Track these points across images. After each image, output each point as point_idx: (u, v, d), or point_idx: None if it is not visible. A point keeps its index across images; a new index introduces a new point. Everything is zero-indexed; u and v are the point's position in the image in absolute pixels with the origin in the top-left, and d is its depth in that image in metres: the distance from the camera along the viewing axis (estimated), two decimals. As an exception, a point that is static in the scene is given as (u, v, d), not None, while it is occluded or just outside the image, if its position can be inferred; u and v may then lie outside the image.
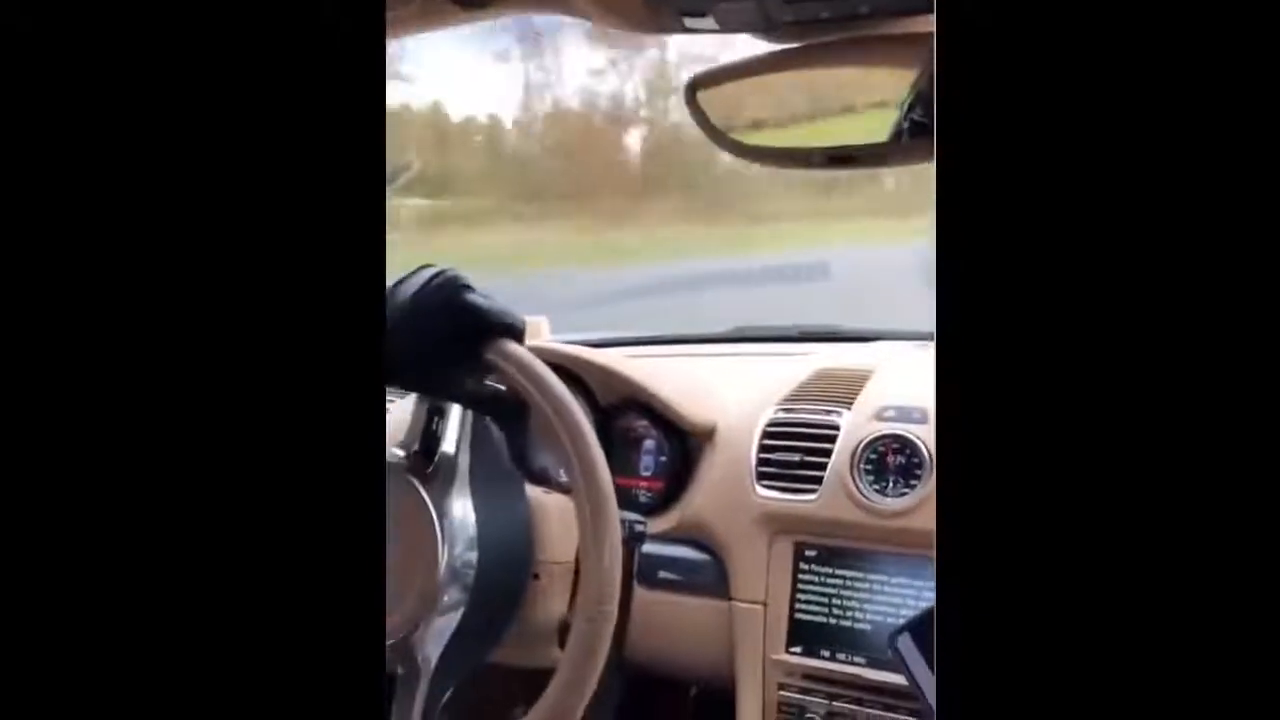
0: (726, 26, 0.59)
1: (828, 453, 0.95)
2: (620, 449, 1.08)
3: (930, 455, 0.91)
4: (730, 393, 1.09)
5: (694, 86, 0.68)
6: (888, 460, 0.93)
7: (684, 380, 1.11)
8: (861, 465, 0.93)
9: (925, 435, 0.93)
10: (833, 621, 0.91)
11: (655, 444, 1.06)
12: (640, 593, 0.98)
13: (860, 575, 0.91)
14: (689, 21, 0.58)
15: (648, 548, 0.99)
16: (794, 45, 0.63)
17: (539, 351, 1.07)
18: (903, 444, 0.93)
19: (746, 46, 0.66)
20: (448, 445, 0.74)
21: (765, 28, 0.59)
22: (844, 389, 1.04)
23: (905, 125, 0.61)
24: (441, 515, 0.70)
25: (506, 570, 0.74)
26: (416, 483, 0.70)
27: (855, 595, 0.91)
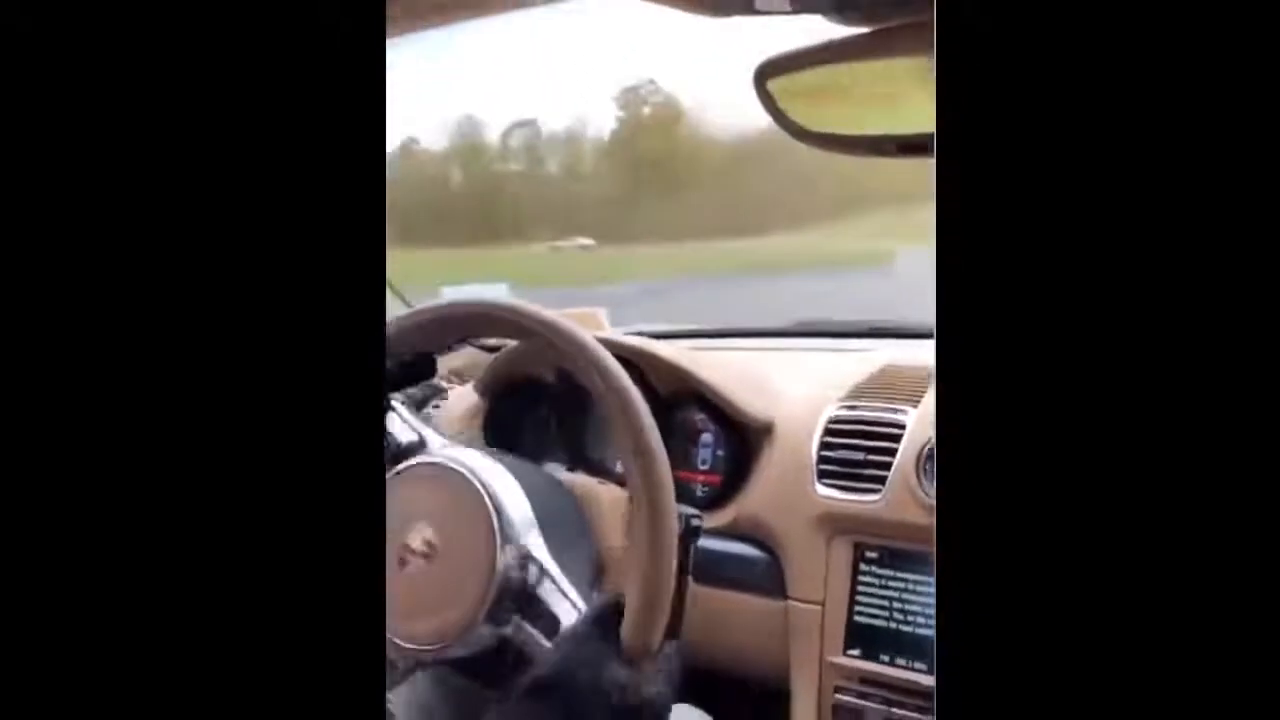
0: (798, 6, 0.57)
1: (892, 452, 0.92)
2: (678, 442, 1.06)
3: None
4: (791, 388, 1.07)
5: (763, 73, 0.66)
6: (955, 461, 0.90)
7: (744, 374, 1.09)
8: (927, 465, 0.90)
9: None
10: (893, 625, 0.88)
11: (713, 437, 1.04)
12: (695, 589, 0.97)
13: (924, 579, 0.88)
14: (759, 2, 0.56)
15: (703, 543, 0.98)
16: (865, 29, 0.61)
17: (601, 341, 1.07)
18: (971, 445, 0.89)
19: (817, 31, 0.64)
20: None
21: (837, 7, 0.57)
22: (910, 386, 1.01)
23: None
24: (498, 508, 0.69)
25: (573, 556, 0.73)
26: (472, 474, 0.70)
27: (917, 599, 0.88)
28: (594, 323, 1.58)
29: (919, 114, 0.66)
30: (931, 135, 0.65)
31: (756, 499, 0.98)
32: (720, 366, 1.07)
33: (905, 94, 0.66)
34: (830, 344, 1.36)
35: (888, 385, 1.02)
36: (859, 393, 1.02)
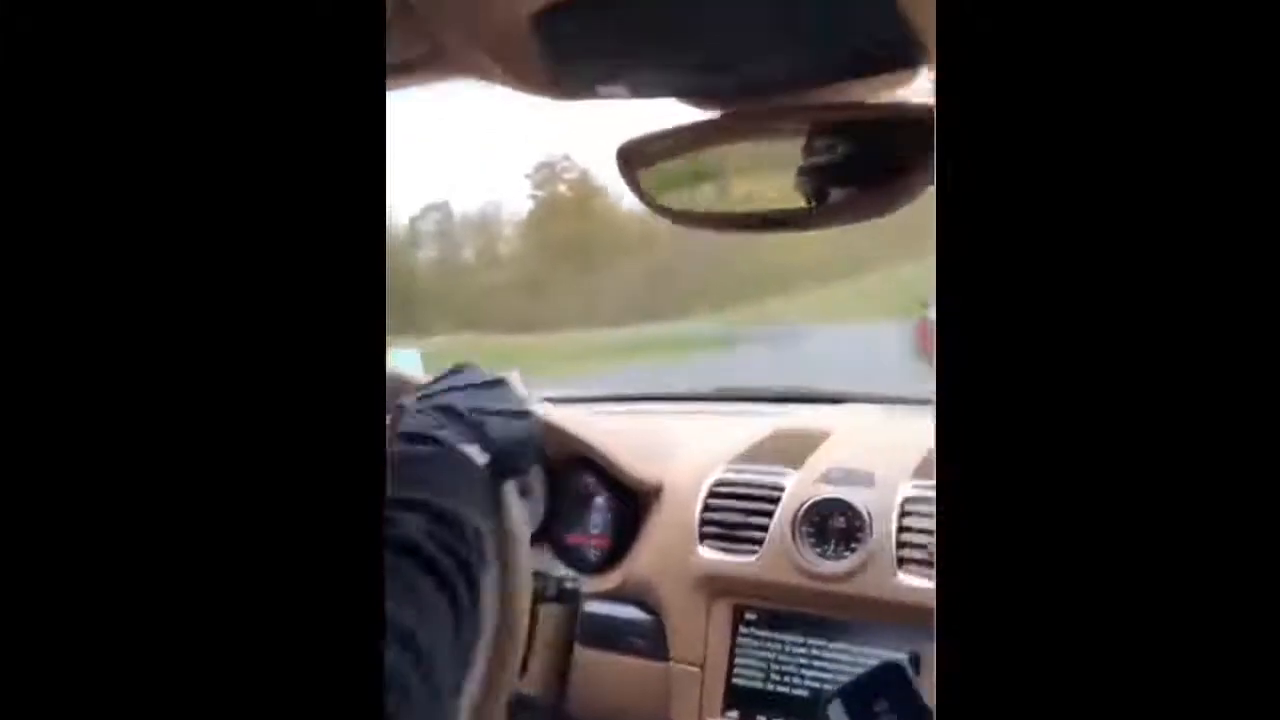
0: (636, 94, 0.60)
1: (771, 513, 0.95)
2: (572, 505, 1.08)
3: (870, 520, 0.91)
4: (686, 451, 1.10)
5: (625, 153, 0.70)
6: (830, 523, 0.93)
7: (639, 439, 1.11)
8: (803, 528, 0.93)
9: (869, 499, 0.92)
10: (770, 686, 0.90)
11: (604, 502, 1.06)
12: (581, 652, 0.97)
13: (799, 640, 0.90)
14: (600, 88, 0.60)
15: (591, 607, 0.99)
16: (717, 114, 0.65)
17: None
18: (845, 507, 0.93)
19: (677, 114, 0.68)
20: None
21: (675, 95, 0.61)
22: (797, 450, 1.04)
23: (815, 189, 0.63)
24: None
25: None
26: None
27: (793, 660, 0.90)
28: (506, 386, 1.60)
29: (772, 192, 0.70)
30: (782, 212, 0.69)
31: (643, 561, 1.00)
32: (614, 432, 1.09)
33: (757, 173, 0.70)
34: (733, 409, 1.39)
35: (775, 449, 1.06)
36: (746, 456, 1.05)
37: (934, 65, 0.55)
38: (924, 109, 0.56)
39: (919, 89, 0.58)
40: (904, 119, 0.57)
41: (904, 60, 0.53)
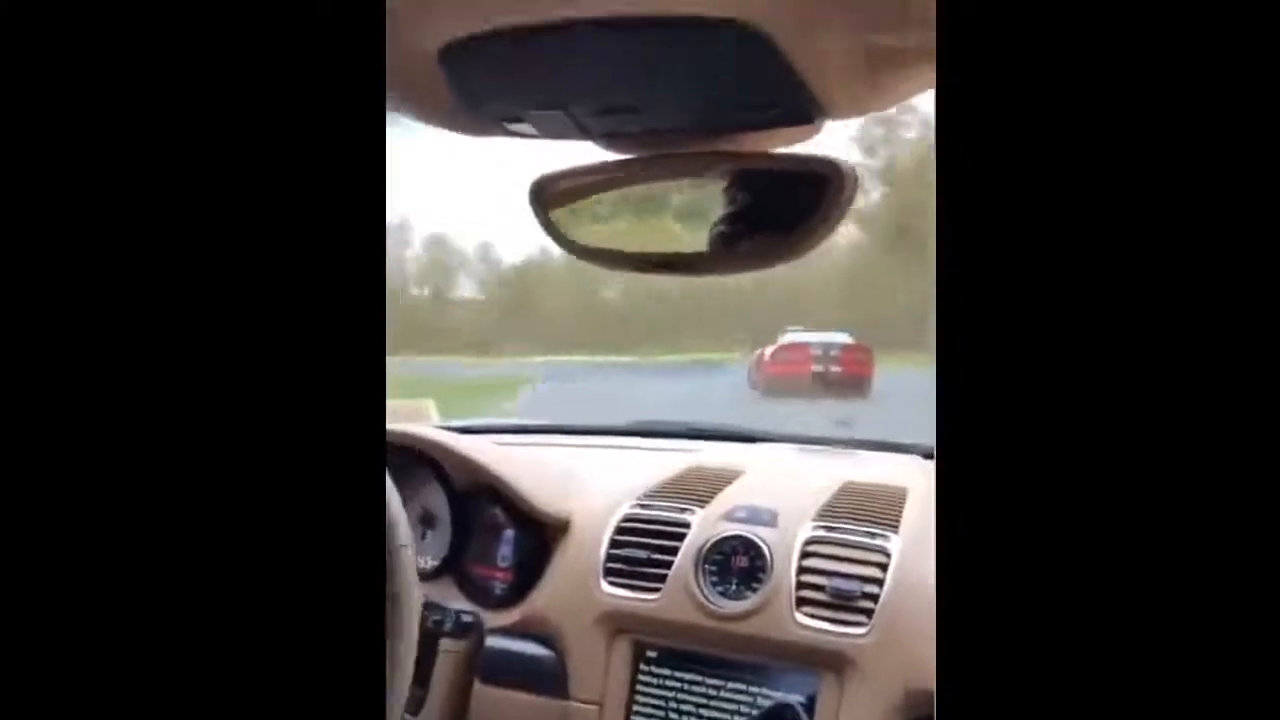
0: (544, 133, 0.61)
1: (676, 550, 0.95)
2: (479, 536, 1.06)
3: (771, 559, 0.91)
4: (596, 486, 1.09)
5: (537, 188, 0.70)
6: (732, 562, 0.93)
7: (549, 471, 1.11)
8: (705, 565, 0.93)
9: (772, 538, 0.93)
10: (668, 726, 0.90)
11: (511, 534, 1.05)
12: (480, 689, 0.96)
13: (698, 678, 0.90)
14: (509, 126, 0.60)
15: (492, 642, 0.97)
16: (624, 156, 0.66)
17: (394, 435, 1.07)
18: (748, 546, 0.93)
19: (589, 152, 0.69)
20: None
21: (581, 137, 0.62)
22: (706, 487, 1.05)
23: (717, 235, 0.64)
24: None
25: None
26: None
27: (691, 699, 0.90)
28: (424, 413, 1.58)
29: (670, 235, 0.71)
30: (677, 256, 0.70)
31: (546, 597, 0.99)
32: (524, 463, 1.09)
33: (661, 215, 0.72)
34: (653, 444, 1.39)
35: (686, 486, 1.06)
36: (655, 493, 1.05)
37: (839, 118, 0.57)
38: (825, 161, 0.58)
39: (819, 142, 0.60)
40: (805, 170, 0.59)
41: (801, 116, 0.55)
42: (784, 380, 7.67)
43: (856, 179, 0.58)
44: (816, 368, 7.79)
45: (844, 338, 7.98)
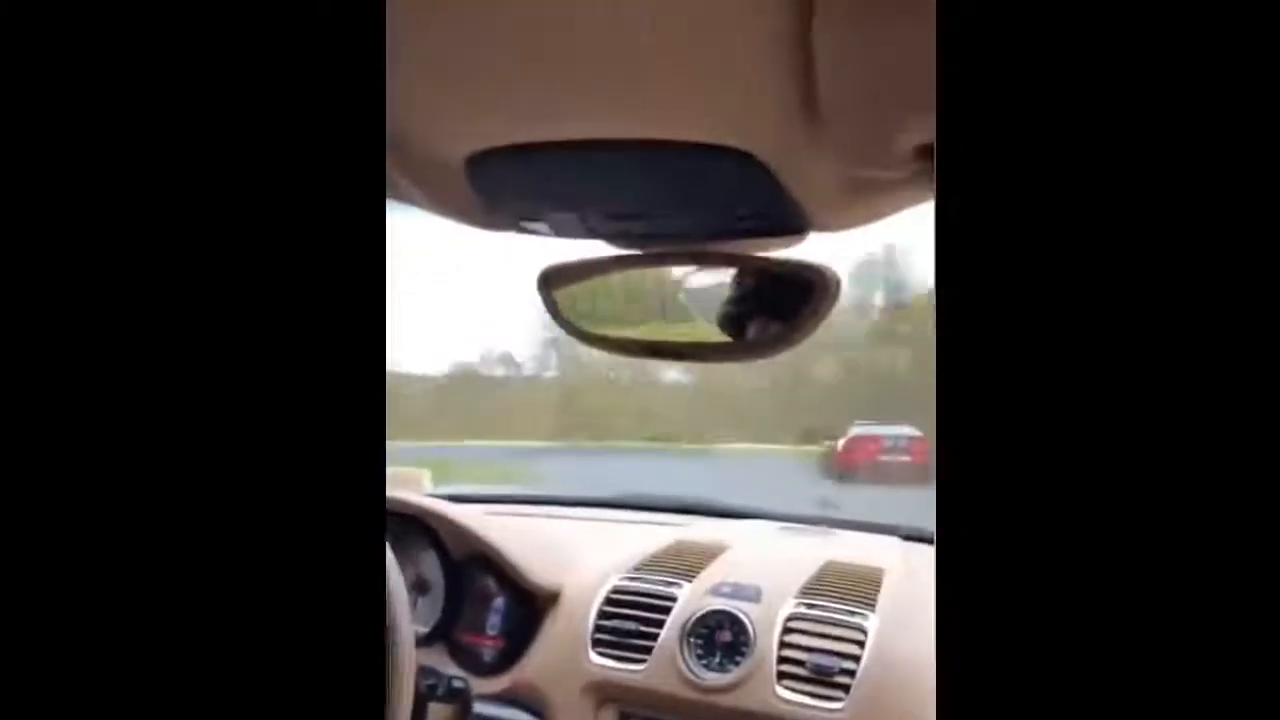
0: (558, 232, 0.67)
1: (662, 623, 0.99)
2: (471, 604, 1.09)
3: (755, 634, 0.95)
4: (586, 558, 1.13)
5: (546, 277, 0.76)
6: (717, 636, 0.97)
7: (541, 542, 1.14)
8: (691, 638, 0.97)
9: (755, 614, 0.97)
10: (651, 796, 0.92)
11: (502, 603, 1.08)
12: (467, 755, 0.98)
13: (680, 749, 0.93)
14: (525, 224, 0.66)
15: (481, 708, 1.00)
16: (629, 253, 0.72)
17: (394, 503, 1.11)
18: (732, 620, 0.97)
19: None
20: None
21: (590, 236, 0.68)
22: (693, 561, 1.09)
23: (724, 322, 0.70)
24: None
25: None
26: None
27: (674, 770, 0.92)
28: (416, 482, 1.61)
29: (670, 328, 0.77)
30: (677, 345, 0.76)
31: (535, 665, 1.02)
32: (516, 533, 1.12)
33: (657, 309, 0.77)
34: (641, 518, 1.43)
35: (674, 559, 1.10)
36: (644, 566, 1.08)
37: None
38: (811, 268, 0.64)
39: (806, 249, 0.67)
40: (791, 274, 0.65)
41: (791, 228, 0.61)
42: (858, 467, 8.06)
43: (839, 282, 0.64)
44: (885, 458, 8.17)
45: (911, 430, 8.32)
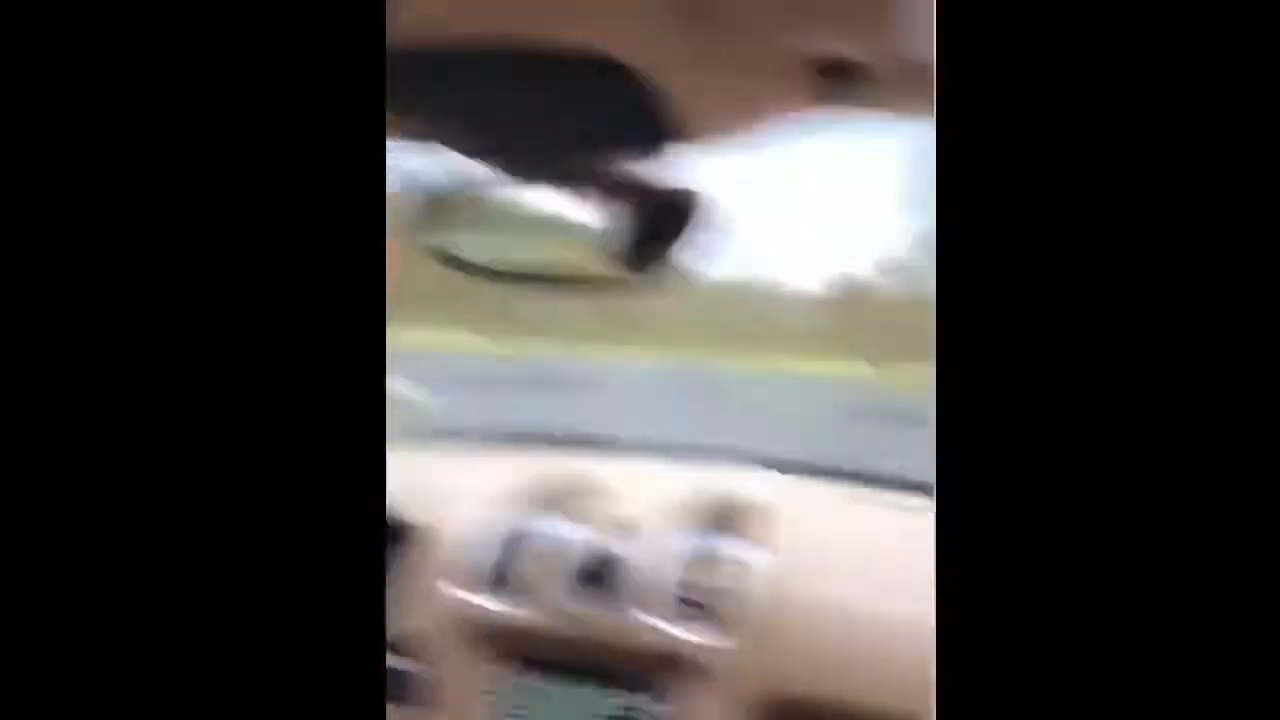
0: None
1: (541, 558, 0.97)
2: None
3: (634, 568, 0.94)
4: (461, 493, 1.09)
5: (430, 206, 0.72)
6: (594, 569, 0.96)
7: (414, 477, 1.10)
8: (568, 573, 0.96)
9: (635, 548, 0.96)
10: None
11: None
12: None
13: (555, 684, 0.93)
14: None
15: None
16: (507, 176, 0.69)
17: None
18: (610, 555, 0.96)
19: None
20: None
21: (465, 152, 0.64)
22: (575, 496, 1.05)
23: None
24: None
25: None
26: None
27: (548, 704, 0.93)
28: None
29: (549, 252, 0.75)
30: (560, 270, 0.73)
31: (412, 608, 0.98)
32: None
33: (537, 233, 0.75)
34: (525, 450, 1.38)
35: (556, 495, 1.06)
36: (526, 500, 1.05)
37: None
38: (683, 191, 0.63)
39: (673, 164, 0.65)
40: (658, 193, 0.64)
41: (652, 140, 0.59)
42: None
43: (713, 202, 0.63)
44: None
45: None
